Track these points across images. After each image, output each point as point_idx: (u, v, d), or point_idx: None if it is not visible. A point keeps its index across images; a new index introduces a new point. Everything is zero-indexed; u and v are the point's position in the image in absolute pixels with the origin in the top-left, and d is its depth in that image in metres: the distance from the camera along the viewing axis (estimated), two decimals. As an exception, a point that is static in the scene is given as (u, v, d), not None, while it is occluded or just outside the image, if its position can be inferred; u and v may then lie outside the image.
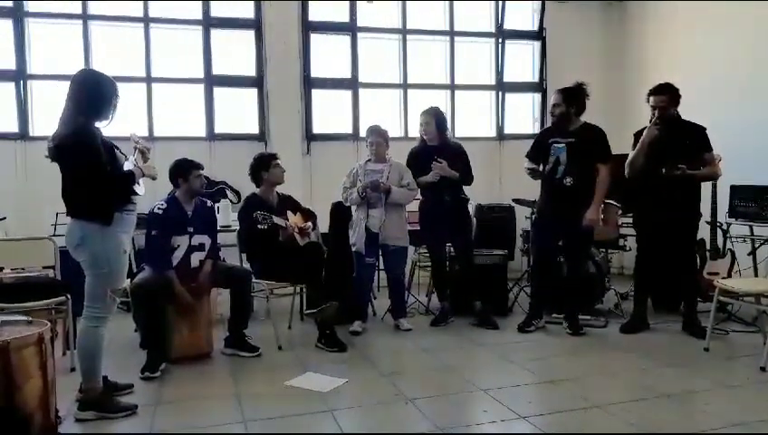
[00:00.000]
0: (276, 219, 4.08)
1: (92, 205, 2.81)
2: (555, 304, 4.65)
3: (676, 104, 4.24)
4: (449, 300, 4.83)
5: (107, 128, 2.95)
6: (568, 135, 4.34)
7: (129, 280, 3.82)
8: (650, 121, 4.24)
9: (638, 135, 4.35)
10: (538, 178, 4.51)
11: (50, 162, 2.85)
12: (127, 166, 2.99)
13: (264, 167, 4.30)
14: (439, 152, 4.59)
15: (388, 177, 4.58)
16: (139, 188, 2.98)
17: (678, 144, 4.18)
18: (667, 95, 4.20)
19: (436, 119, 4.65)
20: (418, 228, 4.96)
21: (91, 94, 2.86)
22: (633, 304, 4.54)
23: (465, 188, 4.75)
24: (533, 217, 4.88)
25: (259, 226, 4.01)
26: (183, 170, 3.88)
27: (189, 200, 3.93)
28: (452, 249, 4.85)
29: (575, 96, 4.33)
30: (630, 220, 4.89)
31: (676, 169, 4.10)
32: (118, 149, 3.02)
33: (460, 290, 4.83)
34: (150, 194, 4.05)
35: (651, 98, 4.24)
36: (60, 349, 3.81)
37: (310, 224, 4.45)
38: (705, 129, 4.25)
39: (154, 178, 3.10)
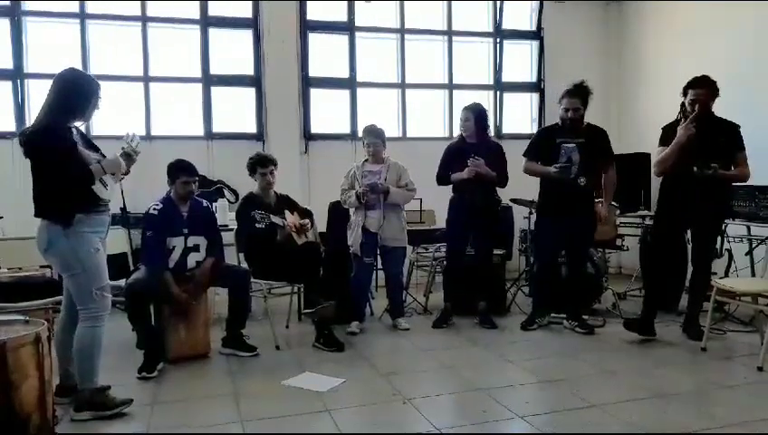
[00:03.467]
0: (274, 218, 4.08)
1: (52, 206, 2.78)
2: (555, 303, 4.66)
3: (715, 98, 4.03)
4: (452, 300, 4.79)
5: (104, 125, 2.92)
6: (577, 135, 4.35)
7: (124, 280, 3.83)
8: (684, 117, 4.04)
9: (667, 129, 4.19)
10: (562, 177, 4.32)
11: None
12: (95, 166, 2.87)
13: (252, 171, 4.32)
14: (477, 150, 4.50)
15: (385, 178, 4.57)
16: (104, 192, 2.87)
17: (712, 142, 3.98)
18: (706, 88, 3.99)
19: (476, 116, 4.56)
20: (427, 227, 4.93)
21: (69, 93, 2.83)
22: (643, 306, 4.31)
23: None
24: (537, 216, 4.71)
25: (257, 225, 4.01)
26: (171, 172, 3.87)
27: (183, 201, 3.92)
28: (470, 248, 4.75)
29: (587, 97, 4.34)
30: (634, 220, 4.85)
31: (708, 169, 3.92)
32: (97, 149, 2.97)
33: (466, 290, 4.76)
34: (149, 193, 4.08)
35: (690, 91, 4.01)
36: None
37: (307, 221, 4.44)
38: (738, 126, 4.07)
39: (126, 173, 3.03)
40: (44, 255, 2.88)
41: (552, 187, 4.44)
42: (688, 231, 4.34)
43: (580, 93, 4.33)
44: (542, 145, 4.51)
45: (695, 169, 3.95)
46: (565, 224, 4.37)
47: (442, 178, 4.67)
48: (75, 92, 2.86)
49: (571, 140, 4.35)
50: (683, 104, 4.13)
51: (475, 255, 4.72)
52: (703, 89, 3.99)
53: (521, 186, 4.80)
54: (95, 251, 2.88)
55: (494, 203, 4.66)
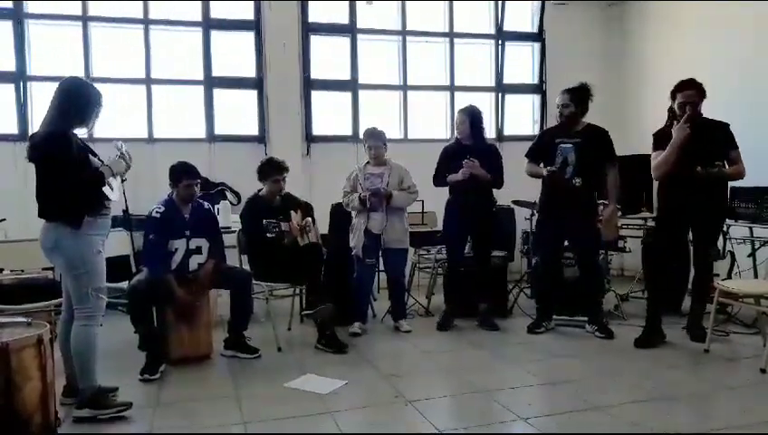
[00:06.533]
0: (284, 226, 4.11)
1: (63, 208, 2.86)
2: (559, 305, 4.65)
3: (703, 99, 4.02)
4: (453, 302, 4.78)
5: (99, 130, 2.99)
6: (574, 136, 4.35)
7: (127, 282, 3.83)
8: (675, 120, 4.03)
9: (658, 135, 4.15)
10: (553, 178, 4.38)
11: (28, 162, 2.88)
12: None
13: (266, 177, 4.31)
14: (472, 152, 4.53)
15: (388, 181, 4.57)
16: (112, 193, 3.00)
17: (707, 141, 3.95)
18: (695, 90, 3.97)
19: (471, 118, 4.60)
20: (428, 229, 4.94)
21: (75, 102, 2.92)
22: (647, 313, 4.26)
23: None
24: (537, 218, 4.75)
25: (268, 235, 4.03)
26: (174, 176, 3.88)
27: (185, 203, 3.93)
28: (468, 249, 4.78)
29: (582, 97, 4.36)
30: (636, 222, 4.83)
31: (713, 168, 3.90)
32: (95, 155, 3.05)
33: (468, 292, 4.76)
34: (150, 195, 4.09)
35: (679, 94, 4.00)
36: (59, 350, 3.80)
37: (309, 220, 4.43)
38: (728, 125, 4.04)
39: (122, 175, 3.11)
40: (50, 253, 2.94)
41: (550, 188, 4.46)
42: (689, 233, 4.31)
43: (572, 91, 4.37)
44: (541, 146, 4.53)
45: (698, 169, 3.92)
46: (564, 225, 4.38)
47: (438, 180, 4.71)
48: (77, 101, 2.94)
49: (568, 140, 4.36)
50: (671, 109, 4.11)
51: (474, 257, 4.73)
52: (692, 90, 3.97)
53: (523, 187, 4.81)
54: (98, 253, 2.97)
55: (489, 204, 4.67)
